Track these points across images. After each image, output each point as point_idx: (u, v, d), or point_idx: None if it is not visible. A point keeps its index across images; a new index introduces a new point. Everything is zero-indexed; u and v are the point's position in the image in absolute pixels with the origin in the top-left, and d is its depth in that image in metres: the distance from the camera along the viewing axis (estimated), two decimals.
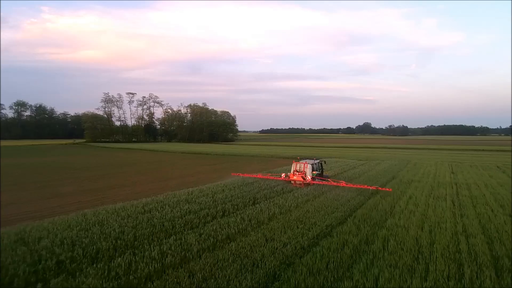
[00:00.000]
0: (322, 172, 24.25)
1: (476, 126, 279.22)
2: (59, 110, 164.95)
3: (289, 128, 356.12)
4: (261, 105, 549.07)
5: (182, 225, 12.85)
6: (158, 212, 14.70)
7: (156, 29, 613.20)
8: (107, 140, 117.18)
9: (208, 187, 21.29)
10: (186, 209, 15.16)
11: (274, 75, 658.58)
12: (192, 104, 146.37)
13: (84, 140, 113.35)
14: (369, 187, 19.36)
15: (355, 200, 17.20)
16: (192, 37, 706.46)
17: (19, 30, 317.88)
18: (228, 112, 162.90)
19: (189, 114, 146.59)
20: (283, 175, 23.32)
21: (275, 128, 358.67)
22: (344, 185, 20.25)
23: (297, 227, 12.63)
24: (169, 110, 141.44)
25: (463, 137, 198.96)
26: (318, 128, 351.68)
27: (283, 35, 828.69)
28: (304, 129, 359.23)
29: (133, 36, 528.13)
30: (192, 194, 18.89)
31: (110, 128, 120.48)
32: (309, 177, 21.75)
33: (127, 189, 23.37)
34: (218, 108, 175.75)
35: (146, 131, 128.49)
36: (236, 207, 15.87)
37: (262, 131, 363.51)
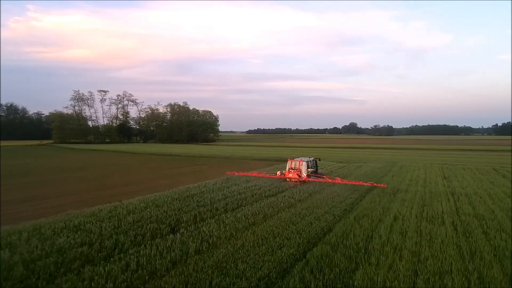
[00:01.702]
0: (316, 169, 24.46)
1: (460, 126, 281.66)
2: (32, 110, 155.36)
3: (276, 128, 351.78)
4: (251, 105, 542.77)
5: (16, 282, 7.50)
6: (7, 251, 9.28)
7: (147, 28, 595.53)
8: (77, 141, 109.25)
9: (131, 203, 15.91)
10: (57, 246, 9.76)
11: (264, 75, 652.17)
12: (172, 103, 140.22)
13: (52, 141, 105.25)
14: (364, 183, 19.55)
15: (318, 224, 12.16)
16: (183, 37, 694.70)
17: (3, 29, 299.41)
18: (210, 111, 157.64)
19: (169, 114, 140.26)
20: (278, 173, 23.26)
21: (262, 128, 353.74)
22: (340, 181, 20.32)
23: (209, 284, 7.49)
24: (148, 109, 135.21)
25: (448, 136, 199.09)
26: (305, 128, 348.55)
27: (274, 36, 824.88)
28: (291, 129, 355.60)
29: (122, 35, 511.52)
30: (97, 215, 13.51)
31: (79, 128, 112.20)
32: (304, 175, 21.80)
33: (46, 203, 17.75)
34: (207, 108, 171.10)
35: (120, 131, 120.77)
36: (139, 239, 10.58)
37: (249, 132, 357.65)
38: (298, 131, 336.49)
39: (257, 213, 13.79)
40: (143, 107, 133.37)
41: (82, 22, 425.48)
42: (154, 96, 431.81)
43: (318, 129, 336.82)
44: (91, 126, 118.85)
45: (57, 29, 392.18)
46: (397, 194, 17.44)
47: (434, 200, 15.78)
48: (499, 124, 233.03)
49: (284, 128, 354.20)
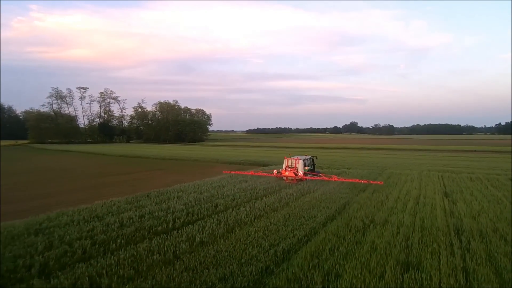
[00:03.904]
0: (313, 167, 24.24)
1: (462, 125, 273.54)
2: (20, 109, 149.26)
3: (276, 127, 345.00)
4: (252, 104, 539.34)
5: None
6: None
7: (148, 28, 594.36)
8: (56, 141, 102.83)
9: None
10: None
11: (265, 75, 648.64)
12: (162, 102, 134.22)
13: (28, 141, 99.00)
14: (360, 181, 19.81)
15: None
16: (184, 37, 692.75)
17: (6, 29, 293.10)
18: (203, 110, 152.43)
19: (158, 113, 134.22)
20: (274, 171, 23.01)
21: (262, 127, 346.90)
22: (336, 179, 20.55)
23: None
24: (139, 108, 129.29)
25: (450, 136, 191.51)
26: (306, 127, 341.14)
27: (275, 35, 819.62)
28: (291, 128, 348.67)
29: (124, 35, 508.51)
30: None
31: (56, 127, 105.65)
32: (301, 173, 21.64)
33: None
34: (206, 107, 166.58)
35: (101, 131, 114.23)
36: None
37: (249, 131, 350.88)
38: (298, 131, 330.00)
39: (78, 283, 7.18)
40: (133, 105, 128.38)
41: (83, 22, 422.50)
42: (155, 95, 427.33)
43: (318, 128, 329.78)
44: (70, 125, 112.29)
45: (59, 29, 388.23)
46: (367, 231, 10.76)
47: (426, 249, 9.06)
48: (503, 123, 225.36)
49: (284, 128, 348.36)
